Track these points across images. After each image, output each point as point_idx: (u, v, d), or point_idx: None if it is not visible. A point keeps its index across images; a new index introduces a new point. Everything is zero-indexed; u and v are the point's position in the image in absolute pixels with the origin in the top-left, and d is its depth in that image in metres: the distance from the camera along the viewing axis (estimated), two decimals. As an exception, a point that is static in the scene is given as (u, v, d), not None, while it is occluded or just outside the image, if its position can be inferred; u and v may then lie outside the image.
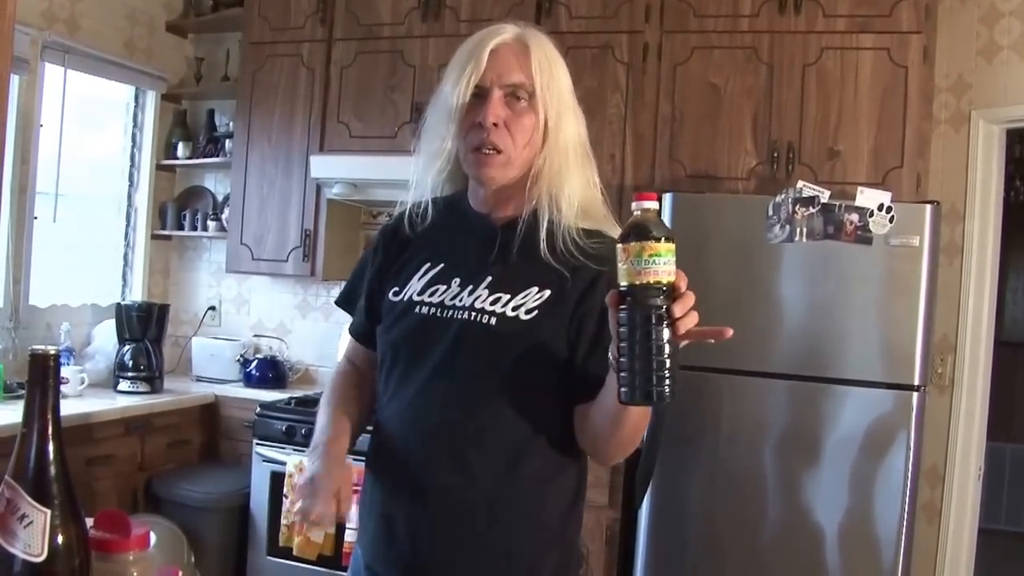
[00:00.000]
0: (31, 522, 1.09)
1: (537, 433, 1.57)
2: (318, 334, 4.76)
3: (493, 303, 1.58)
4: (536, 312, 1.56)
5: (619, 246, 1.29)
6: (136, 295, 4.83)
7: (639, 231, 1.28)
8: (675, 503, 3.38)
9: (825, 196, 3.21)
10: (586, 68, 3.82)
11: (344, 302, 1.90)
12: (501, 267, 1.61)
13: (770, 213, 3.25)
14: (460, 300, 1.61)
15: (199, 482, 3.99)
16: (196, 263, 5.08)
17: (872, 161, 3.50)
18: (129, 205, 4.85)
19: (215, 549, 3.94)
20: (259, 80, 4.47)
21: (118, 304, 4.40)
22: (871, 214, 3.16)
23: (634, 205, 1.32)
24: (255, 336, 4.84)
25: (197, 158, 4.82)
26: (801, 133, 3.59)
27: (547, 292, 1.57)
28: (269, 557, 3.85)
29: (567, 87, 1.62)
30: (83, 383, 3.99)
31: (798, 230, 3.22)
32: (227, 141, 4.69)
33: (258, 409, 3.99)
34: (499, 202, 1.65)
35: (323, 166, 4.21)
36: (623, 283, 1.29)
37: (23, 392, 3.87)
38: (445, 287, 1.64)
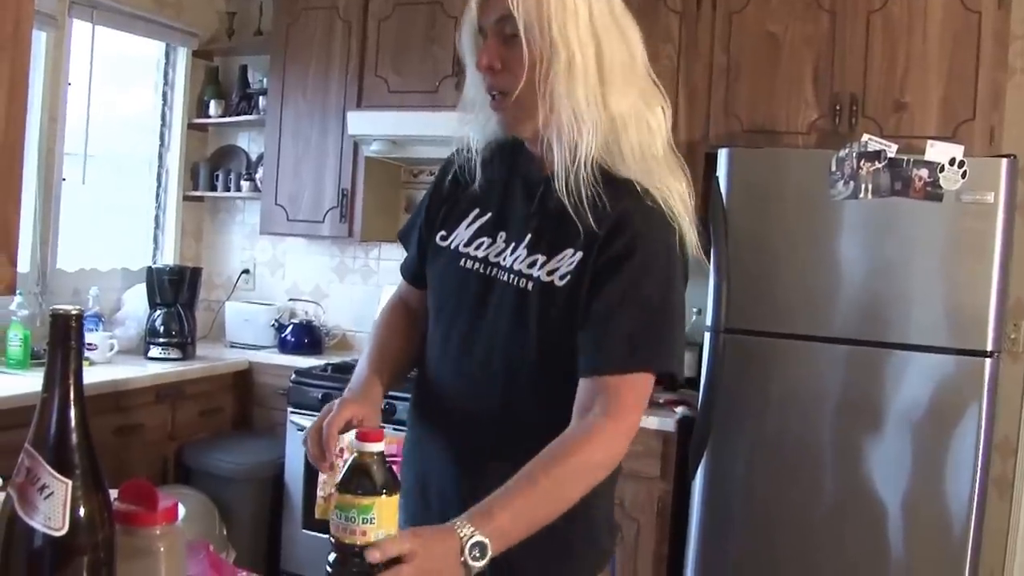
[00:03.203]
0: (51, 493, 1.04)
1: (570, 401, 1.52)
2: (356, 298, 4.73)
3: (530, 266, 1.56)
4: (569, 277, 1.53)
5: (335, 491, 1.23)
6: (168, 258, 4.83)
7: (346, 480, 1.22)
8: (729, 474, 3.33)
9: (892, 150, 3.11)
10: (636, 18, 3.69)
11: (403, 236, 1.88)
12: (540, 222, 1.58)
13: (833, 169, 3.16)
14: (504, 259, 1.60)
15: (231, 452, 3.98)
16: (229, 225, 5.07)
17: (941, 113, 3.39)
18: (160, 166, 4.84)
19: (248, 521, 3.94)
20: (293, 34, 4.42)
21: (149, 268, 4.40)
22: (942, 169, 3.06)
23: (355, 444, 1.25)
24: (290, 300, 4.83)
25: (230, 116, 4.79)
26: (865, 84, 3.48)
27: (580, 255, 1.53)
28: (304, 530, 3.85)
29: (575, 10, 1.50)
30: (112, 349, 3.99)
31: (863, 186, 3.13)
32: (261, 98, 4.65)
33: (293, 376, 3.97)
34: (541, 144, 1.58)
35: (361, 122, 4.16)
36: (332, 534, 1.23)
37: None
38: (491, 241, 1.62)
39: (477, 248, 1.63)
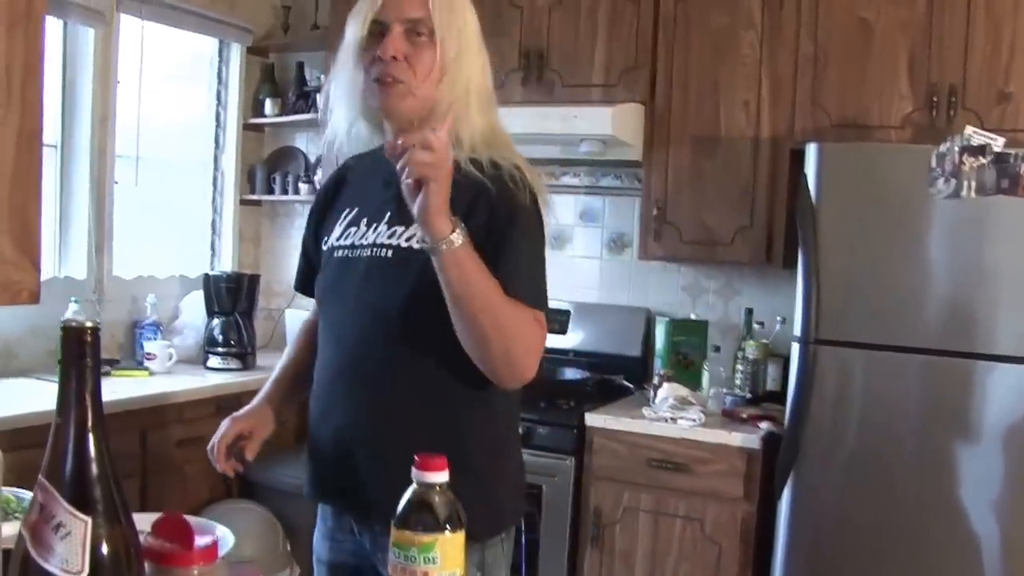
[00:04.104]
0: (68, 532, 0.95)
1: (444, 363, 1.76)
2: (419, 305, 4.64)
3: (390, 236, 1.81)
4: None
5: (392, 527, 1.15)
6: (226, 265, 4.80)
7: (404, 515, 1.13)
8: (818, 495, 3.20)
9: (999, 144, 2.96)
10: (715, 3, 3.62)
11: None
12: (399, 201, 1.74)
13: (933, 165, 3.00)
14: (365, 238, 1.86)
15: (295, 466, 3.89)
16: (288, 230, 5.01)
17: (1051, 104, 3.23)
18: (215, 168, 4.80)
19: (312, 537, 3.87)
20: (351, 28, 4.34)
21: (205, 275, 4.36)
22: (1054, 164, 2.90)
23: (415, 474, 1.15)
24: (352, 308, 4.75)
25: (286, 116, 4.73)
26: (965, 73, 3.31)
27: None
28: (369, 546, 3.78)
29: (471, 25, 1.82)
30: (171, 359, 3.99)
31: (966, 183, 2.97)
32: (318, 96, 4.58)
33: (355, 387, 3.90)
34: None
35: (422, 120, 4.07)
36: (390, 574, 1.15)
37: (109, 369, 3.87)
38: (356, 228, 1.88)
39: (345, 239, 1.89)
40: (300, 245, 2.12)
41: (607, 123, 3.58)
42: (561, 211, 4.32)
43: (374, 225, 1.85)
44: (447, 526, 1.12)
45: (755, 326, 3.81)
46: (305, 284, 2.08)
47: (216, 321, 4.22)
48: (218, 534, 1.48)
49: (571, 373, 3.97)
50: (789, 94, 3.55)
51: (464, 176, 1.72)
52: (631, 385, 3.87)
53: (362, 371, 1.83)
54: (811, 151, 3.22)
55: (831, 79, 3.49)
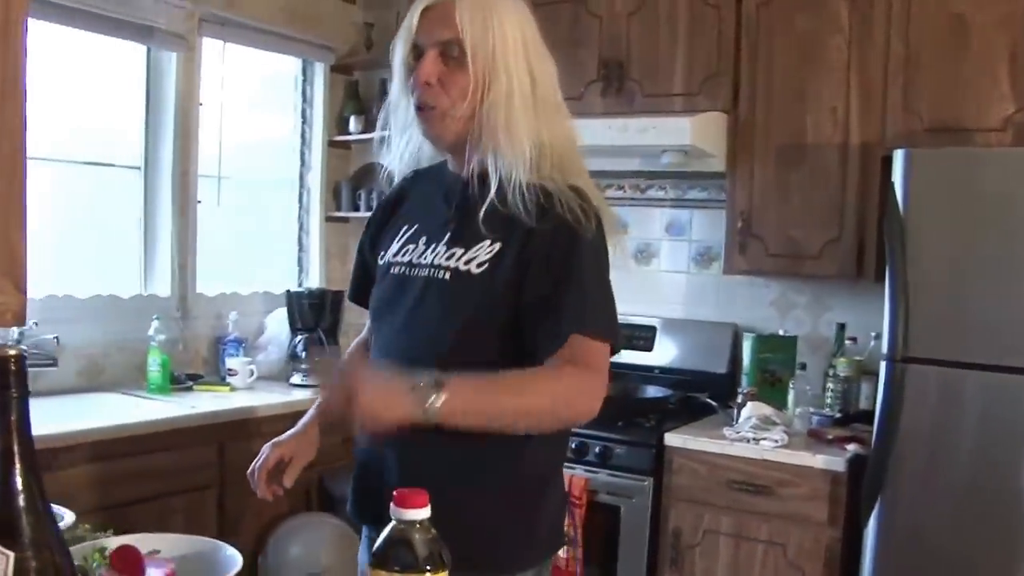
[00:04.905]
0: (-9, 568, 0.90)
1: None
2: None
3: (448, 258, 1.79)
4: (487, 265, 1.75)
5: (368, 567, 1.06)
6: (313, 282, 4.82)
7: (381, 554, 1.05)
8: (906, 521, 3.04)
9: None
10: (799, 8, 3.49)
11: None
12: (458, 222, 1.81)
13: (1040, 167, 2.82)
14: (424, 258, 1.84)
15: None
16: (375, 247, 4.99)
17: None
18: (301, 186, 4.84)
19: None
20: (433, 43, 4.31)
21: (288, 291, 4.40)
22: None
23: (393, 512, 1.07)
24: (438, 323, 4.71)
25: (371, 132, 4.71)
26: (1075, 69, 3.13)
27: (497, 245, 1.75)
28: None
29: (514, 36, 1.73)
30: (252, 375, 4.05)
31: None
32: (400, 112, 4.56)
33: (440, 401, 3.86)
34: (463, 159, 1.81)
35: (503, 133, 4.02)
36: None
37: (191, 384, 3.98)
38: (414, 246, 1.87)
39: (403, 255, 1.88)
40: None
41: (686, 133, 3.48)
42: (647, 224, 4.25)
43: (432, 245, 1.83)
44: (428, 567, 1.04)
45: (847, 342, 3.64)
46: (358, 294, 2.08)
47: (299, 338, 4.26)
48: (223, 558, 1.43)
49: (652, 391, 3.86)
50: (879, 99, 3.39)
51: (511, 208, 1.71)
52: (715, 403, 3.75)
53: None
54: (898, 157, 3.07)
55: (924, 81, 3.33)
